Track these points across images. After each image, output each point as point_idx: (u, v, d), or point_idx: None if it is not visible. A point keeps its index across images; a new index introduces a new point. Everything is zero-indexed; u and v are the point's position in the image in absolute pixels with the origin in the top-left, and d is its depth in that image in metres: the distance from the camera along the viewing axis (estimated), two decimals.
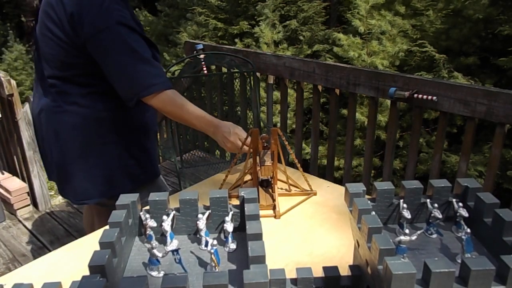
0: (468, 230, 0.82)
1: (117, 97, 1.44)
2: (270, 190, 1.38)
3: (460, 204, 0.90)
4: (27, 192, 2.91)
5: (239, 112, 3.30)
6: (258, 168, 1.37)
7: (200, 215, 0.94)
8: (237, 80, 3.12)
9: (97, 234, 1.20)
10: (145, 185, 1.63)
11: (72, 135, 1.48)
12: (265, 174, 1.32)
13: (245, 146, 1.38)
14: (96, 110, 1.47)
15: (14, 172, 3.07)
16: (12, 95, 2.66)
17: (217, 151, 3.51)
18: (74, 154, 1.51)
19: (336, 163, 3.51)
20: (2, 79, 2.60)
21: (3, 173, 3.03)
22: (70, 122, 1.47)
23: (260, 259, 0.72)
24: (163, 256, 0.86)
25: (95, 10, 1.31)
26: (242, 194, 0.93)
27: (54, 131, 1.50)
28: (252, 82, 2.85)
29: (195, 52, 2.89)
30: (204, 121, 1.45)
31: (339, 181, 2.51)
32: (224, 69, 3.09)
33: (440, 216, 0.90)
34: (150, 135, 1.65)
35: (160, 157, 3.81)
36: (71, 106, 1.46)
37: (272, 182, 1.36)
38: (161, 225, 0.93)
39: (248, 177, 1.44)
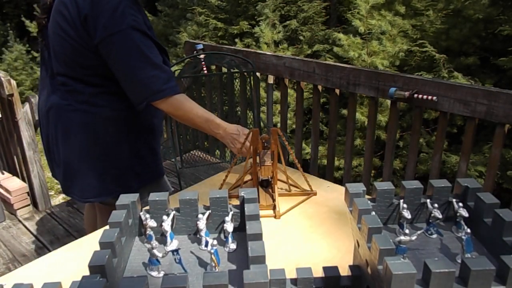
0: (468, 230, 0.82)
1: (127, 97, 1.45)
2: (270, 190, 1.38)
3: (460, 204, 0.90)
4: (27, 192, 2.91)
5: (239, 112, 3.30)
6: (258, 168, 1.37)
7: (200, 215, 0.94)
8: (237, 80, 3.12)
9: (97, 234, 1.20)
10: (149, 185, 1.65)
11: (82, 133, 1.49)
12: (265, 174, 1.33)
13: (247, 146, 1.39)
14: (106, 110, 1.48)
15: (14, 172, 3.07)
16: (12, 95, 2.66)
17: (217, 151, 3.51)
18: (83, 152, 1.52)
19: (336, 163, 3.51)
20: (2, 79, 2.60)
21: (3, 173, 3.03)
22: (81, 121, 1.48)
23: (260, 259, 0.72)
24: (163, 256, 0.86)
25: (109, 14, 1.31)
26: (242, 194, 0.93)
27: (64, 129, 1.51)
28: (252, 82, 2.85)
29: (195, 52, 2.90)
30: (213, 124, 1.49)
31: (339, 181, 2.51)
32: (224, 69, 3.09)
33: (440, 216, 0.90)
34: (156, 135, 1.67)
35: None
36: (82, 105, 1.47)
37: (272, 182, 1.36)
38: (161, 225, 0.93)
39: (248, 177, 1.44)
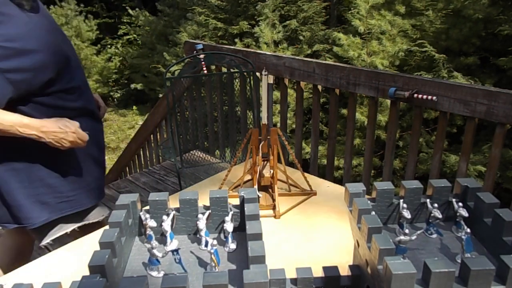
0: (468, 230, 0.82)
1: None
2: (270, 190, 1.38)
3: (460, 204, 0.90)
4: None
5: (239, 112, 3.30)
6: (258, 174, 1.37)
7: (200, 215, 0.94)
8: (237, 80, 3.12)
9: (97, 234, 1.20)
10: (70, 215, 1.49)
11: None
12: (264, 183, 1.35)
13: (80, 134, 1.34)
14: None
15: None
16: None
17: (217, 151, 3.51)
18: None
19: (336, 163, 3.51)
20: None
21: None
22: None
23: (260, 259, 0.72)
24: (163, 256, 0.86)
25: None
26: (242, 194, 0.93)
27: None
28: (252, 82, 2.85)
29: (195, 52, 2.90)
30: (22, 127, 1.28)
31: (339, 181, 2.51)
32: (224, 69, 3.09)
33: (440, 216, 0.90)
34: (69, 160, 1.47)
35: (160, 157, 3.82)
36: None
37: (272, 182, 1.36)
38: (161, 225, 0.93)
39: (248, 177, 1.44)
